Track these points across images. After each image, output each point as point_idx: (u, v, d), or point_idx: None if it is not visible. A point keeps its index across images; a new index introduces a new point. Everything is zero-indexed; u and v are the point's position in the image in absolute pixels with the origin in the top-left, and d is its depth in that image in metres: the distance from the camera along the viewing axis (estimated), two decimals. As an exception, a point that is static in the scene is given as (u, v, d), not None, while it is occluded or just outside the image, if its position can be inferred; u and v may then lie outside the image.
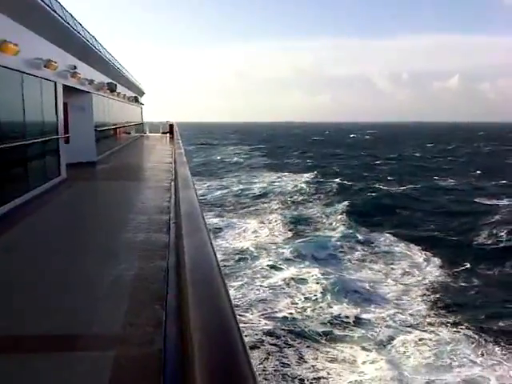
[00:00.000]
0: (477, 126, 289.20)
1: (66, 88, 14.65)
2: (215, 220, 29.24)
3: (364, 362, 13.00)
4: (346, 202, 34.49)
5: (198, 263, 2.95)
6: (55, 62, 12.18)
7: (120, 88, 25.97)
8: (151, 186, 12.87)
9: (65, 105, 14.81)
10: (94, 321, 4.34)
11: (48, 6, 11.56)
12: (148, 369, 3.38)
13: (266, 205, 35.87)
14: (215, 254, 3.14)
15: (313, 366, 12.69)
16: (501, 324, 15.60)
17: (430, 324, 15.68)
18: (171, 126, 37.71)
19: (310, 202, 37.10)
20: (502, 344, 14.17)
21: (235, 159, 72.64)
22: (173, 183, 10.62)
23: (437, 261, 22.20)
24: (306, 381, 12.05)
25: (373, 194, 39.71)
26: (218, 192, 41.38)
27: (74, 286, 5.31)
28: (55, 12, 12.24)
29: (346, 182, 45.90)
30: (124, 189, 13.07)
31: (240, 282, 18.40)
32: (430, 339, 14.48)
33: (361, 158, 75.56)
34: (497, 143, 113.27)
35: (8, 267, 6.03)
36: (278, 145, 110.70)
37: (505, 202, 36.56)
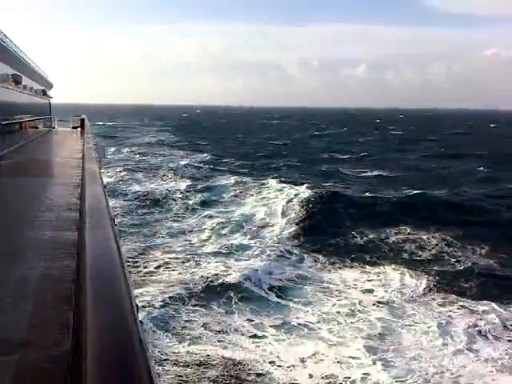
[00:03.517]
0: (376, 112, 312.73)
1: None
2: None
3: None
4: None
5: (101, 261, 2.93)
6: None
7: (26, 80, 24.83)
8: (60, 183, 12.53)
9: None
10: None
11: None
12: (54, 372, 3.23)
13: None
14: (119, 250, 3.10)
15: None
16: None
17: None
18: (82, 120, 36.40)
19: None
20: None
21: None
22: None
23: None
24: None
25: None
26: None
27: None
28: None
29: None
30: (31, 185, 12.62)
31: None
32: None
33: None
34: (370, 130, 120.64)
35: None
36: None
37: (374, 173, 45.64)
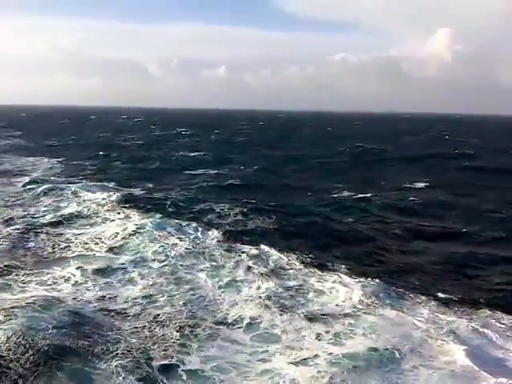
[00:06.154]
0: (239, 114, 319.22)
1: None
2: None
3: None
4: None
5: None
6: None
7: None
8: None
9: None
10: None
11: None
12: None
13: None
14: None
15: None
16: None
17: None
18: None
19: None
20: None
21: None
22: None
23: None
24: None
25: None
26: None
27: None
28: None
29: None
30: None
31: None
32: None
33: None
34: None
35: None
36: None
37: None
